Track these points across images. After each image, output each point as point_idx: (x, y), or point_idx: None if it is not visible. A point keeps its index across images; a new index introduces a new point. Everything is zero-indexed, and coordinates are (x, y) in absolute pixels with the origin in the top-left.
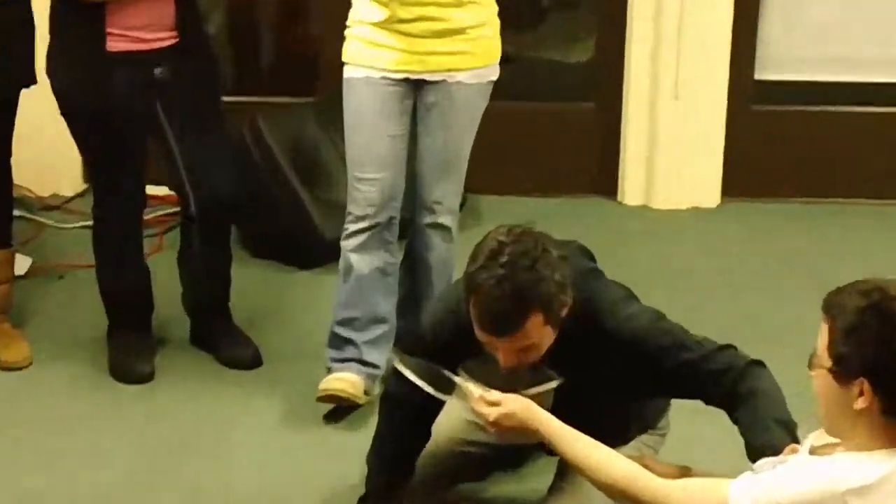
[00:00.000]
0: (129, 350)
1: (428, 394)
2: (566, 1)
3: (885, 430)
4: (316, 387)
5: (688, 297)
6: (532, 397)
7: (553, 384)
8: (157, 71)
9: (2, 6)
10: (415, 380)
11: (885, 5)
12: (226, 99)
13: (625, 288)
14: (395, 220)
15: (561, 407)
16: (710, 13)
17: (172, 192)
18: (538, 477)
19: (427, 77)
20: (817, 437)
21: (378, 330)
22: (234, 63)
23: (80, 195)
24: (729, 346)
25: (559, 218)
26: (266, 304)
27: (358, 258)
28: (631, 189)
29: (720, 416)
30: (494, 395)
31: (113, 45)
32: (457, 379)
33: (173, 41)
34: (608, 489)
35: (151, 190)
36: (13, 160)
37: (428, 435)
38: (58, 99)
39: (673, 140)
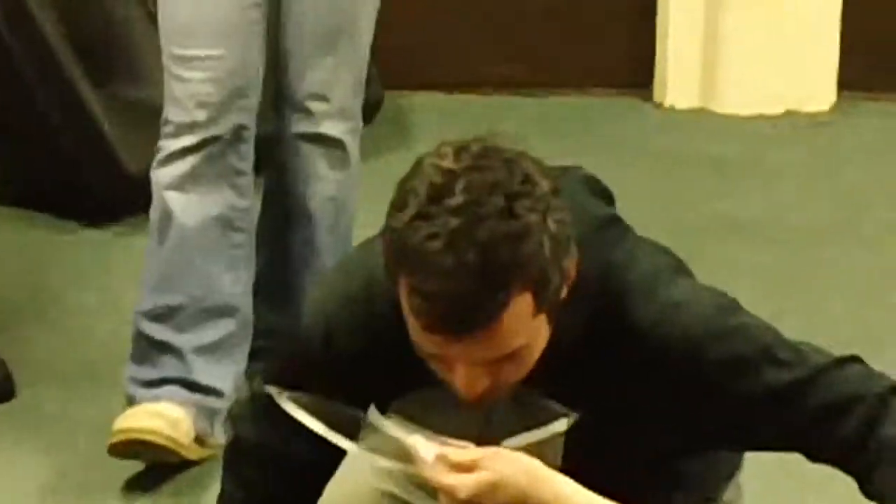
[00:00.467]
0: None
1: (318, 439)
2: None
3: None
4: (109, 429)
5: (776, 256)
6: (528, 449)
7: (563, 424)
8: None
9: None
10: (299, 415)
11: None
12: None
13: (667, 252)
14: (246, 132)
15: (574, 462)
16: None
17: None
18: None
19: None
20: None
21: (218, 327)
22: None
23: None
24: (852, 359)
25: (555, 129)
26: (23, 286)
27: (181, 200)
28: (678, 84)
29: (843, 485)
30: (466, 451)
31: None
32: (375, 419)
33: None
34: None
35: None
36: None
37: None
38: None
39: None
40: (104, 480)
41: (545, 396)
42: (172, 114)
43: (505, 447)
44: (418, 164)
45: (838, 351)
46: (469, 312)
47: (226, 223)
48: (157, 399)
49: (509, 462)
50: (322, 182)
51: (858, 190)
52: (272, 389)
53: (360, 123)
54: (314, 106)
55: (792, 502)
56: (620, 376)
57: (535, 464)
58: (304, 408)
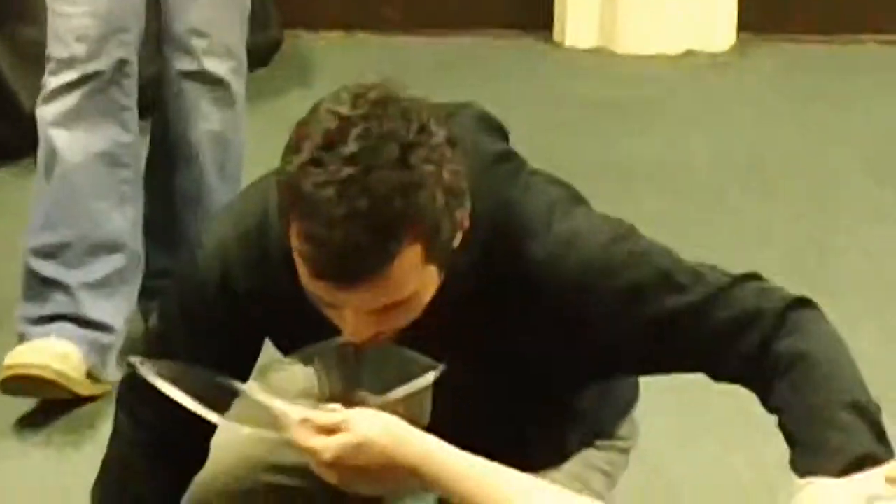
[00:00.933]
0: None
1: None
2: None
3: None
4: None
5: (678, 200)
6: (391, 407)
7: (430, 377)
8: None
9: None
10: (162, 386)
11: None
12: None
13: (563, 185)
14: (128, 67)
15: (446, 415)
16: None
17: None
18: None
19: None
20: None
21: (106, 263)
22: None
23: None
24: (751, 276)
25: (454, 70)
26: None
27: (65, 137)
28: (577, 24)
29: (744, 403)
30: (330, 413)
31: None
32: (240, 386)
33: None
34: None
35: None
36: None
37: (200, 462)
38: None
39: None
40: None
41: (435, 341)
42: (54, 49)
43: (372, 406)
44: (315, 108)
45: None
46: (358, 262)
47: (111, 159)
48: (46, 335)
49: (373, 423)
50: (205, 120)
51: (758, 130)
52: (135, 360)
53: (245, 63)
54: (195, 42)
55: (687, 440)
56: (517, 315)
57: (399, 423)
58: (171, 378)
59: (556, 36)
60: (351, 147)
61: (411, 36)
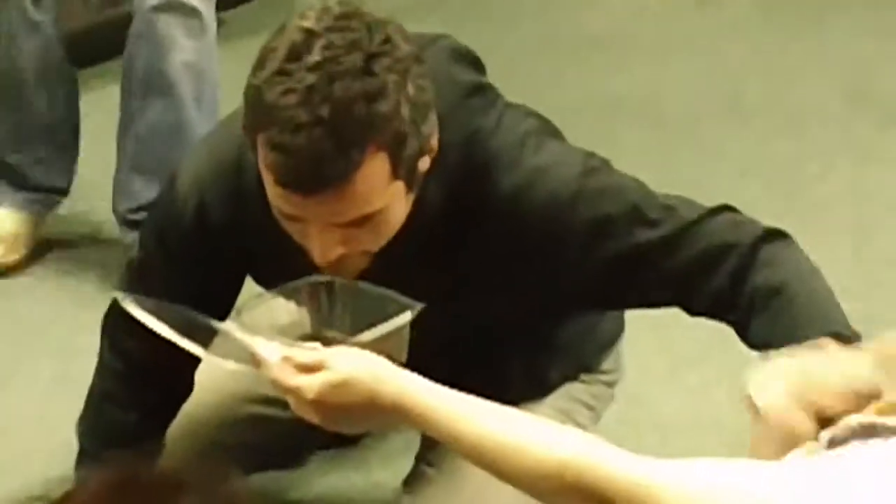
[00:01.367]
0: None
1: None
2: None
3: None
4: None
5: (657, 132)
6: (374, 344)
7: (408, 316)
8: None
9: None
10: (146, 320)
11: None
12: None
13: (537, 117)
14: None
15: (425, 352)
16: None
17: None
18: (391, 461)
19: None
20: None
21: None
22: None
23: None
24: (724, 209)
25: (429, 7)
26: None
27: None
28: None
29: (728, 337)
30: (311, 352)
31: None
32: (221, 324)
33: None
34: (532, 484)
35: None
36: None
37: (184, 394)
38: None
39: None
40: None
41: (404, 274)
42: None
43: (351, 344)
44: (282, 26)
45: None
46: (321, 168)
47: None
48: None
49: (354, 361)
50: (179, 50)
51: (738, 63)
52: (119, 295)
53: None
54: None
55: (670, 374)
56: (487, 245)
57: (380, 361)
58: (153, 313)
59: None
60: (315, 56)
61: None
